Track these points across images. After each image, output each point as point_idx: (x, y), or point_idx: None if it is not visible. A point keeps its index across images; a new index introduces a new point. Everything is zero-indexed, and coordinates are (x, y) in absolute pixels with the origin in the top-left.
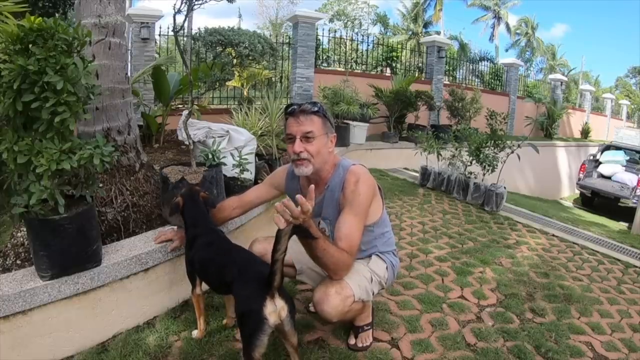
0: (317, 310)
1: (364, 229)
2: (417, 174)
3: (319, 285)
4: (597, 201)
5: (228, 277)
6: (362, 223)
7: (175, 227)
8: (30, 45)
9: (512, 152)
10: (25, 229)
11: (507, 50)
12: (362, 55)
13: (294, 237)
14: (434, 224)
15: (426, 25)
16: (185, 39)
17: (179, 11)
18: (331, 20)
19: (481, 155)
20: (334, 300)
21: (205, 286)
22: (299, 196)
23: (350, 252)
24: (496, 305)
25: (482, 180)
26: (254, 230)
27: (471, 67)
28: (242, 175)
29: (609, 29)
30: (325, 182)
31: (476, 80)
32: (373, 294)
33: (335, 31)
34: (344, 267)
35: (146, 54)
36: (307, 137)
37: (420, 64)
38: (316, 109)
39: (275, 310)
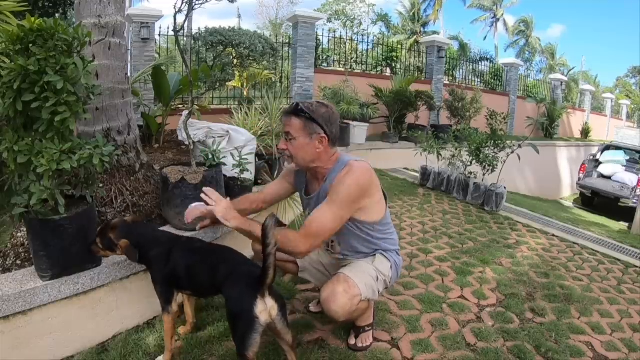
0: (325, 309)
1: (360, 225)
2: (417, 174)
3: (326, 285)
4: (597, 201)
5: (219, 278)
6: (338, 212)
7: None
8: (30, 46)
9: (512, 152)
10: (25, 229)
11: (505, 50)
12: (362, 55)
13: None
14: (434, 224)
15: (425, 25)
16: (185, 39)
17: (180, 11)
18: (329, 20)
19: (481, 155)
20: (342, 300)
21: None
22: (205, 188)
23: (306, 233)
24: (496, 305)
25: (482, 180)
26: None
27: (471, 67)
28: (242, 176)
29: (608, 29)
30: (324, 176)
31: (476, 80)
32: (379, 292)
33: (335, 31)
34: (291, 247)
35: (146, 54)
36: (288, 138)
37: (420, 64)
38: (294, 110)
39: (265, 309)
